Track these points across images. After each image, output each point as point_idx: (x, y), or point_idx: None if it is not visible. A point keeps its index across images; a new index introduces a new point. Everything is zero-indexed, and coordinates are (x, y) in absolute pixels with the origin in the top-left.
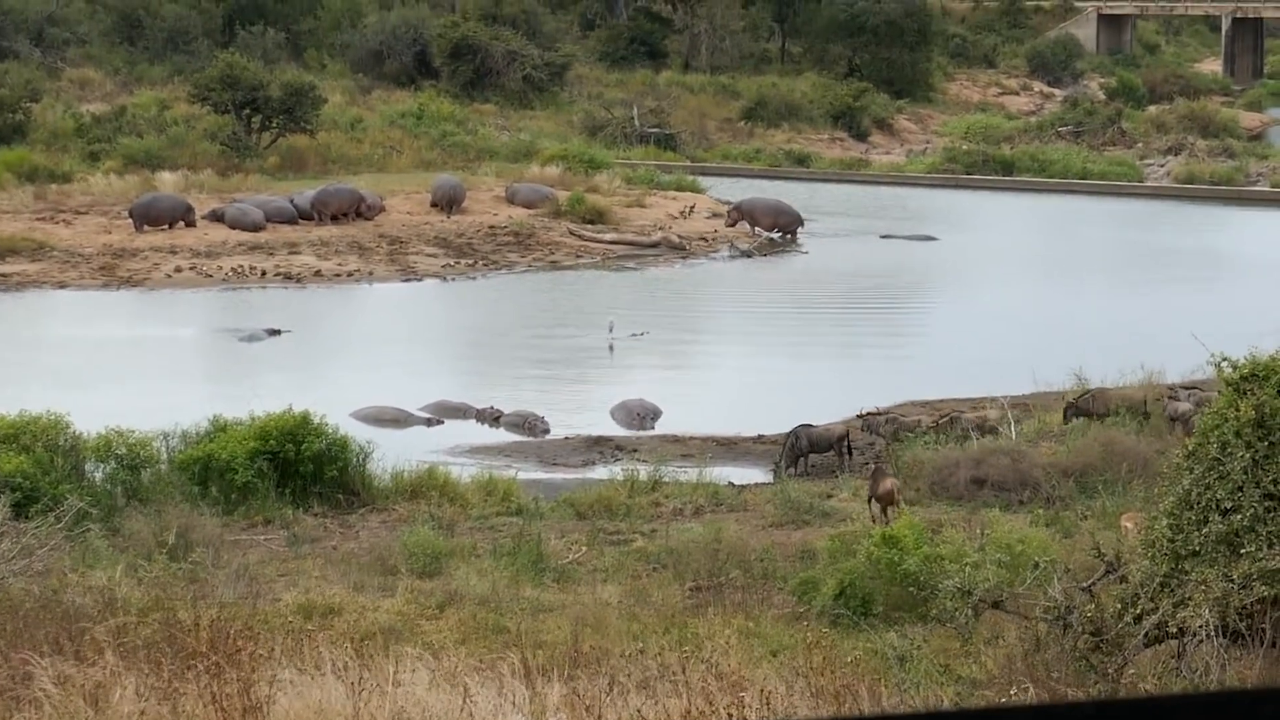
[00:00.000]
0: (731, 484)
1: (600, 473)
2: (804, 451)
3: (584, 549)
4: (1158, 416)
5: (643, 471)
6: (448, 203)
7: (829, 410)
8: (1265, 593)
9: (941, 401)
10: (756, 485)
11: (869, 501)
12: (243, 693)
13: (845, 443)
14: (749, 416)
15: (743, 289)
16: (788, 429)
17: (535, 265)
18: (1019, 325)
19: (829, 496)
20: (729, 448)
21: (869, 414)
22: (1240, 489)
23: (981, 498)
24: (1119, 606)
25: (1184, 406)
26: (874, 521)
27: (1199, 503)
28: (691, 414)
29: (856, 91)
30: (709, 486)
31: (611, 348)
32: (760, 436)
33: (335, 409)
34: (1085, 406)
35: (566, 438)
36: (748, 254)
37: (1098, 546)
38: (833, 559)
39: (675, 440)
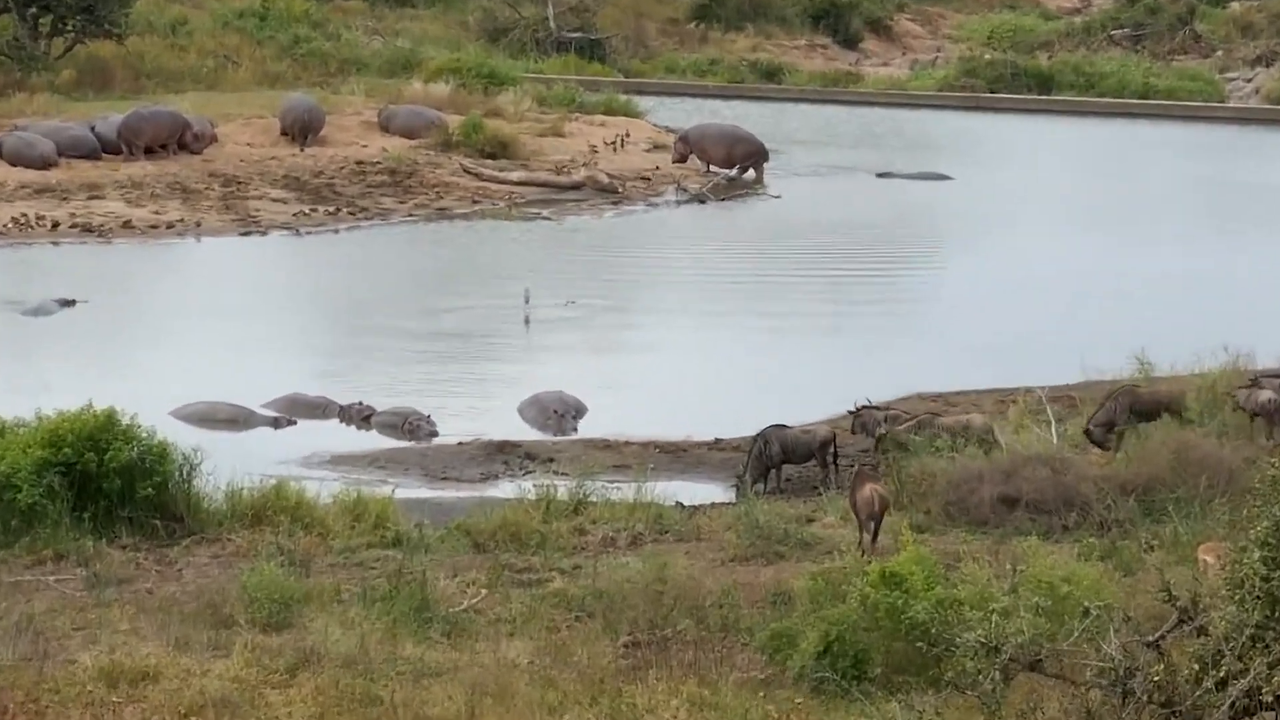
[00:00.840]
0: (680, 505)
1: (506, 489)
2: (776, 461)
3: (484, 592)
4: (1229, 412)
5: (562, 488)
6: (301, 130)
7: (808, 406)
8: None
9: (958, 395)
10: (713, 506)
11: (855, 513)
12: None
13: (830, 449)
14: (703, 415)
15: (694, 245)
16: (754, 431)
17: (418, 213)
18: (1061, 292)
19: (810, 520)
20: (676, 456)
21: (863, 409)
22: None
23: (1013, 522)
24: (1196, 668)
25: (1266, 395)
26: (863, 550)
27: None
28: (627, 411)
29: None
30: (650, 508)
31: (527, 321)
32: (718, 441)
33: (151, 406)
34: (1126, 409)
35: (461, 443)
36: (700, 199)
37: (1168, 587)
38: (815, 604)
39: (605, 446)
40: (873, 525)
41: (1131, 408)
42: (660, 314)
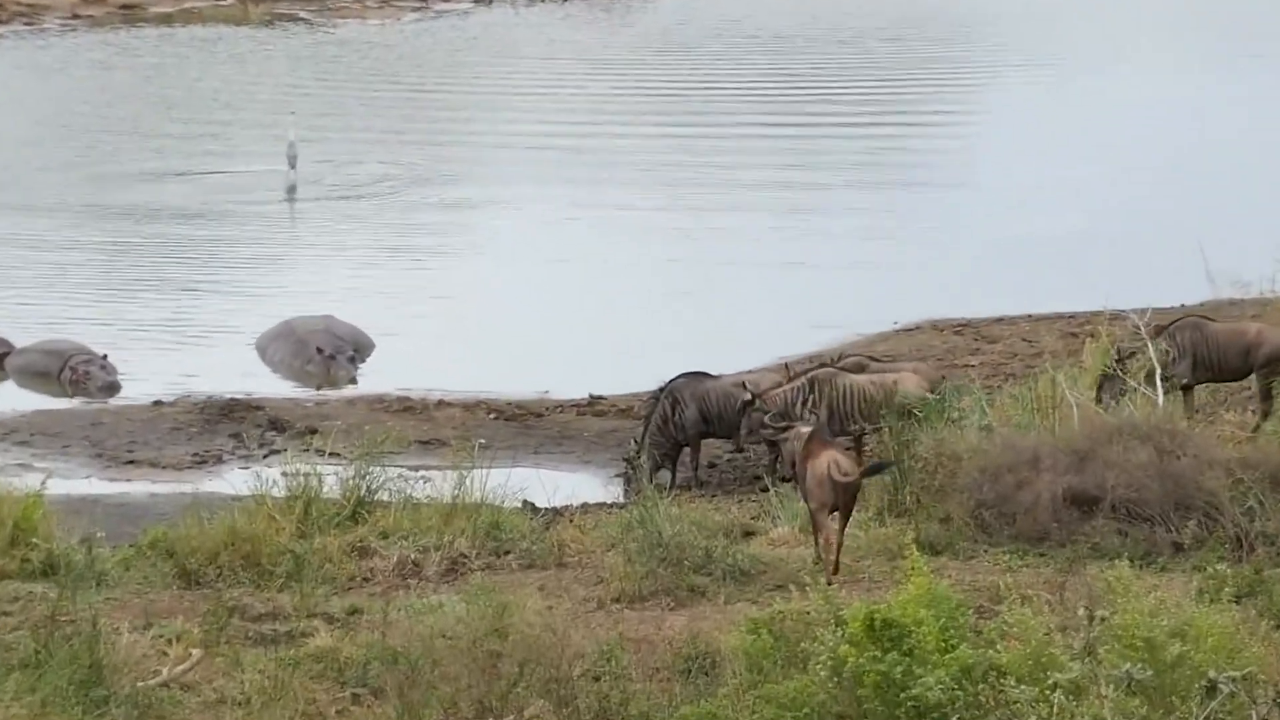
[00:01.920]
0: (531, 506)
1: (235, 480)
2: (692, 433)
3: (197, 653)
4: None
5: (332, 478)
6: None
7: (743, 343)
8: None
9: (993, 323)
10: (586, 510)
11: (805, 500)
12: None
13: (771, 414)
14: (567, 356)
15: (550, 71)
16: (656, 385)
17: (90, 13)
18: (1136, 159)
19: (748, 534)
20: (524, 425)
21: (817, 366)
22: None
23: (1089, 535)
24: None
25: None
26: (826, 567)
27: None
28: (440, 350)
29: None
30: (480, 512)
31: (290, 195)
32: (594, 401)
33: None
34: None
35: (160, 403)
36: None
37: None
38: (756, 674)
39: (404, 408)
40: (835, 520)
41: (1195, 352)
42: (495, 189)
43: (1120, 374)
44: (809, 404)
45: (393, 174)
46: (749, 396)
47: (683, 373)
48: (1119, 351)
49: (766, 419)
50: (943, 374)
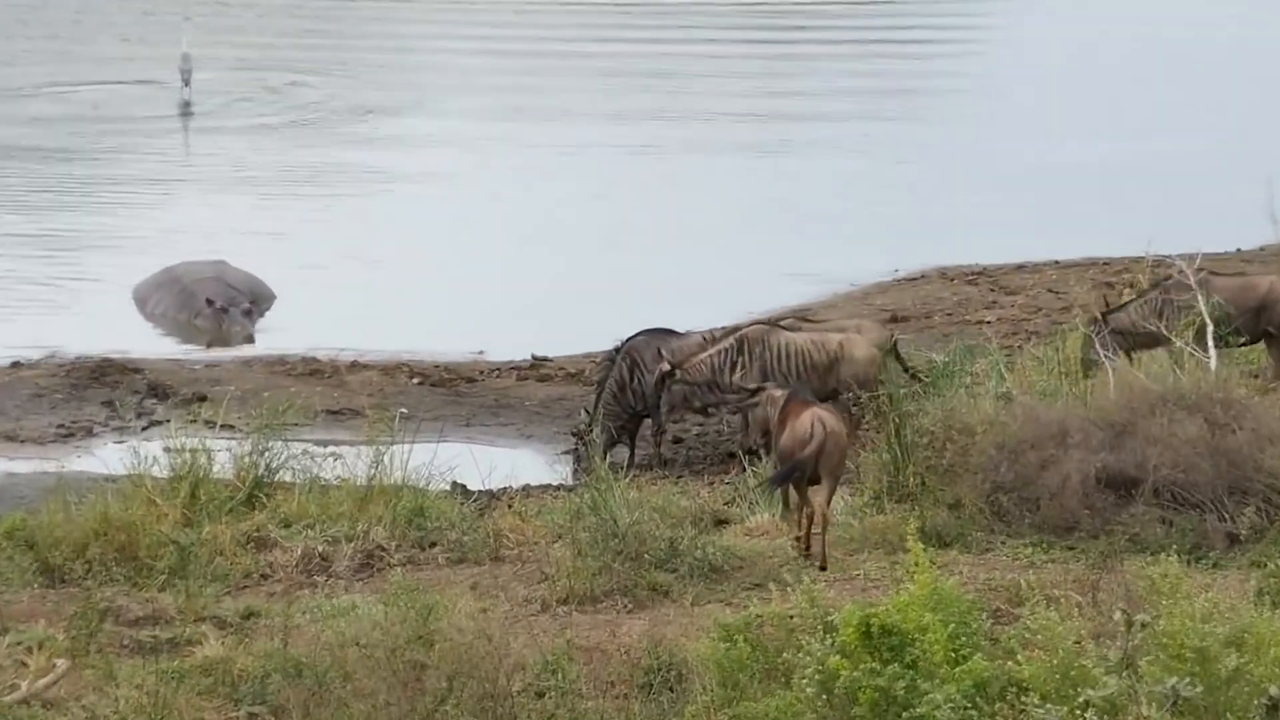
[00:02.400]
0: (462, 489)
1: (107, 456)
2: (647, 402)
3: (61, 664)
4: None
5: (224, 453)
6: None
7: (718, 297)
8: None
9: (1013, 271)
10: (529, 492)
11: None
12: None
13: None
14: (508, 313)
15: None
16: (611, 344)
17: None
18: (1193, 78)
19: (721, 522)
20: (453, 391)
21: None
22: None
23: (1124, 524)
24: None
25: None
26: (806, 545)
27: None
28: (358, 303)
29: None
30: (401, 495)
31: (185, 110)
32: (536, 363)
33: None
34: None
35: (18, 364)
36: None
37: None
38: (731, 687)
39: (310, 371)
40: (821, 488)
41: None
42: (424, 116)
43: (1103, 326)
44: (738, 368)
45: (306, 95)
46: (667, 367)
47: (643, 330)
48: (1106, 302)
49: (737, 379)
50: (894, 333)
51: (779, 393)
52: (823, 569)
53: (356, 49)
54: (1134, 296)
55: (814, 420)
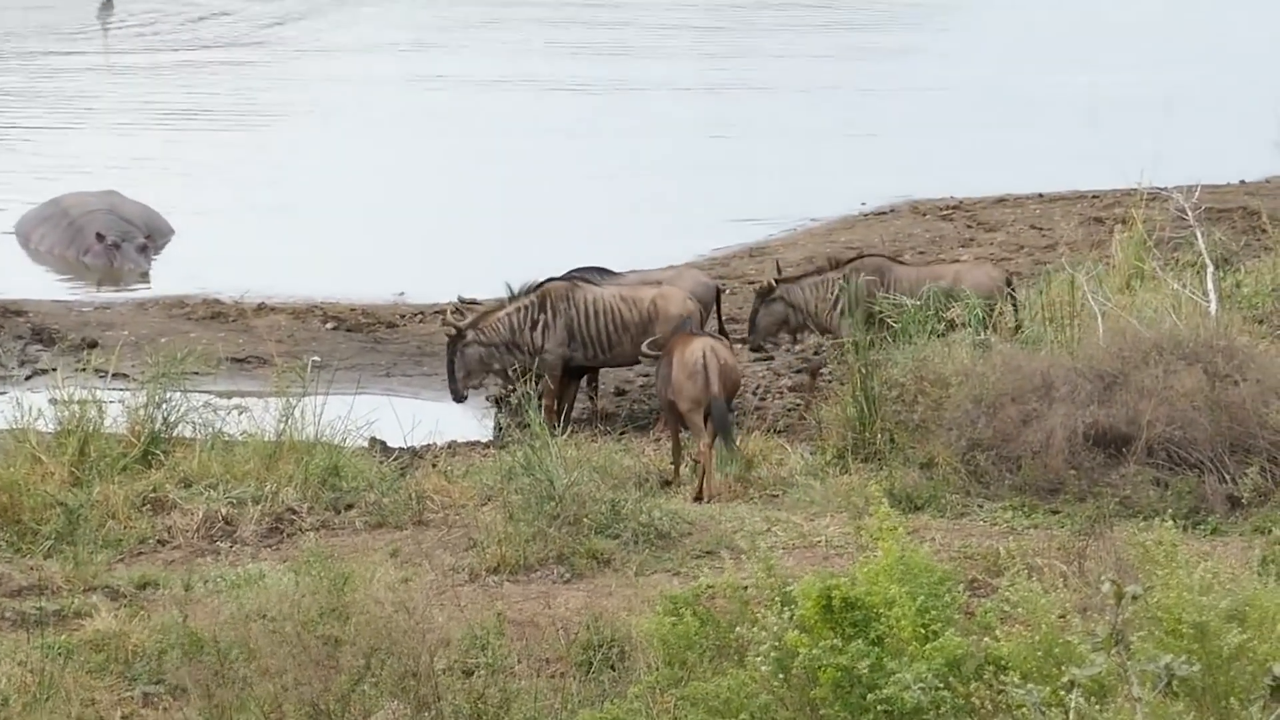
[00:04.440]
0: (381, 445)
1: None
2: (579, 359)
3: None
4: None
5: (117, 405)
6: None
7: (664, 237)
8: None
9: (980, 205)
10: (454, 450)
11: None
12: None
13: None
14: (432, 251)
15: None
16: (539, 281)
17: None
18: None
19: (667, 483)
20: (371, 337)
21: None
22: None
23: (1114, 485)
24: None
25: None
26: (700, 486)
27: None
28: (265, 240)
29: None
30: (314, 453)
31: (104, 13)
32: (462, 308)
33: None
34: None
35: None
36: None
37: None
38: (678, 665)
39: (213, 315)
40: (712, 423)
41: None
42: (347, 33)
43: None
44: (540, 326)
45: (219, 23)
46: (454, 331)
47: (578, 268)
48: (779, 270)
49: (647, 346)
50: (721, 284)
51: (678, 347)
52: (704, 499)
53: None
54: (812, 271)
55: (704, 350)
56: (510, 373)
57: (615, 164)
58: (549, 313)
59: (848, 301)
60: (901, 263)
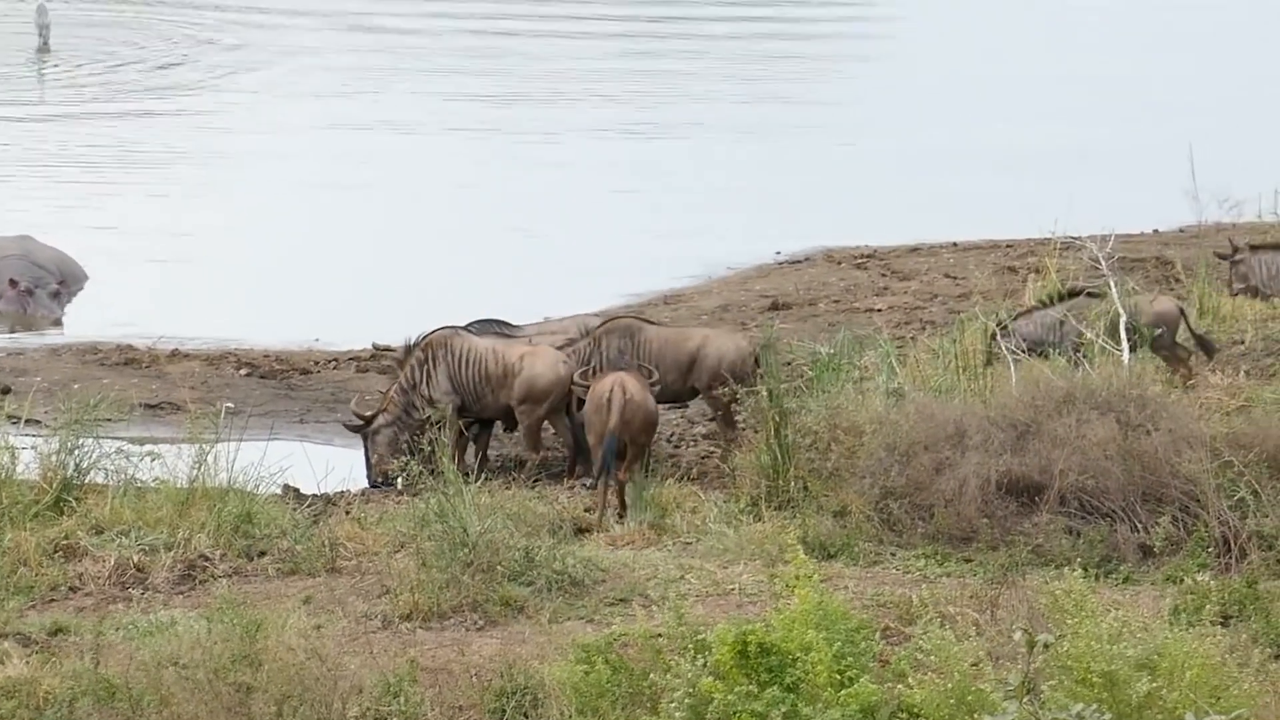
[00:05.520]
0: (295, 492)
1: None
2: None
3: None
4: None
5: (29, 453)
6: None
7: (578, 286)
8: None
9: (894, 254)
10: (368, 495)
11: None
12: None
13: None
14: (346, 299)
15: None
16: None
17: None
18: (1105, 56)
19: (582, 530)
20: (286, 384)
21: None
22: None
23: (1027, 534)
24: None
25: None
26: (601, 507)
27: None
28: (180, 286)
29: None
30: (228, 500)
31: (43, 55)
32: (377, 353)
33: None
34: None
35: None
36: None
37: None
38: (591, 713)
39: (128, 360)
40: (620, 453)
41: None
42: (267, 83)
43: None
44: (427, 376)
45: (138, 51)
46: (360, 421)
47: (472, 322)
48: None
49: (578, 377)
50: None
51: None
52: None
53: (213, 24)
54: (565, 343)
55: (614, 384)
56: (415, 439)
57: (532, 212)
58: (431, 362)
59: (599, 363)
60: (652, 323)
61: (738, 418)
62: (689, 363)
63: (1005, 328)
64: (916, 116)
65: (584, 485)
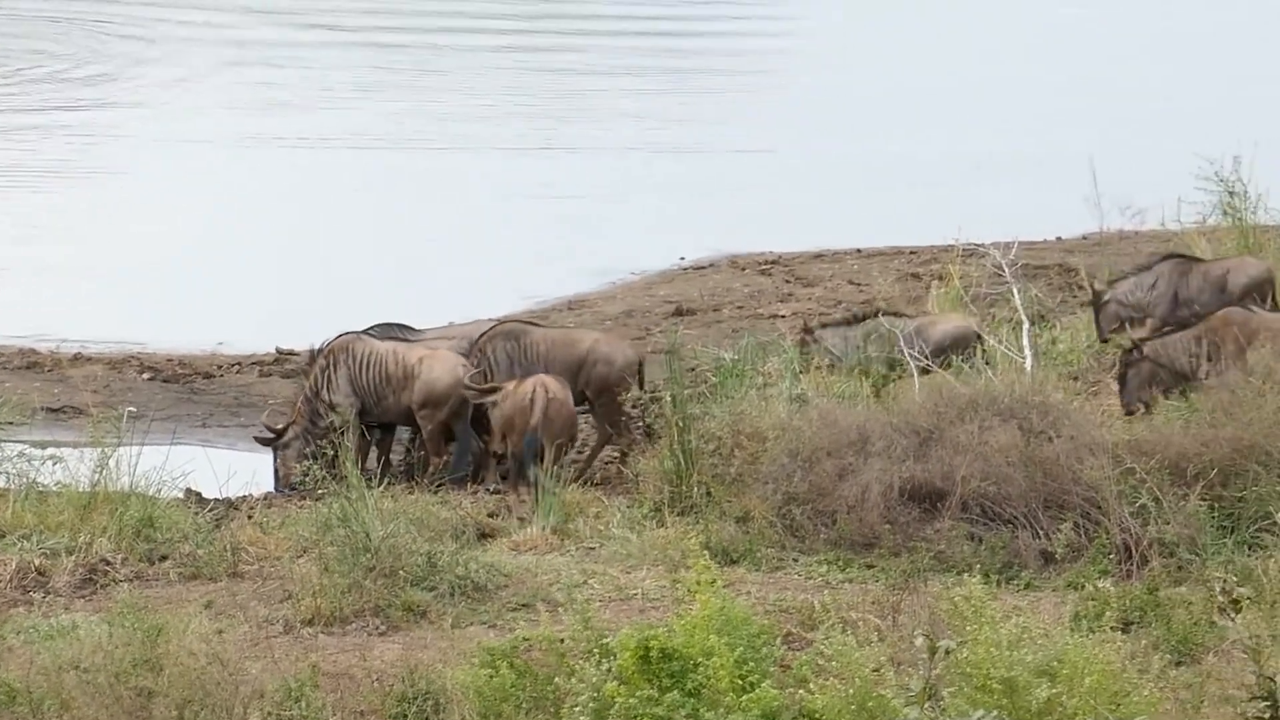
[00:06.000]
0: (197, 496)
1: None
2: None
3: None
4: None
5: None
6: None
7: (480, 291)
8: None
9: (798, 260)
10: (271, 500)
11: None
12: None
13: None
14: (250, 302)
15: None
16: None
17: None
18: (1012, 66)
19: (485, 535)
20: (188, 387)
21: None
22: None
23: (929, 540)
24: None
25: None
26: (521, 508)
27: None
28: (81, 289)
29: None
30: (127, 504)
31: None
32: (281, 357)
33: None
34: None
35: None
36: None
37: (1273, 691)
38: (494, 717)
39: (29, 364)
40: (540, 455)
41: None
42: (164, 85)
43: None
44: (329, 382)
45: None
46: (271, 435)
47: (373, 325)
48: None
49: (468, 379)
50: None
51: (514, 385)
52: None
53: (111, 26)
54: (466, 350)
55: (535, 385)
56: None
57: (435, 218)
58: (333, 367)
59: (486, 369)
60: (538, 326)
61: (627, 422)
62: (578, 365)
63: (812, 333)
64: (821, 124)
65: (487, 490)
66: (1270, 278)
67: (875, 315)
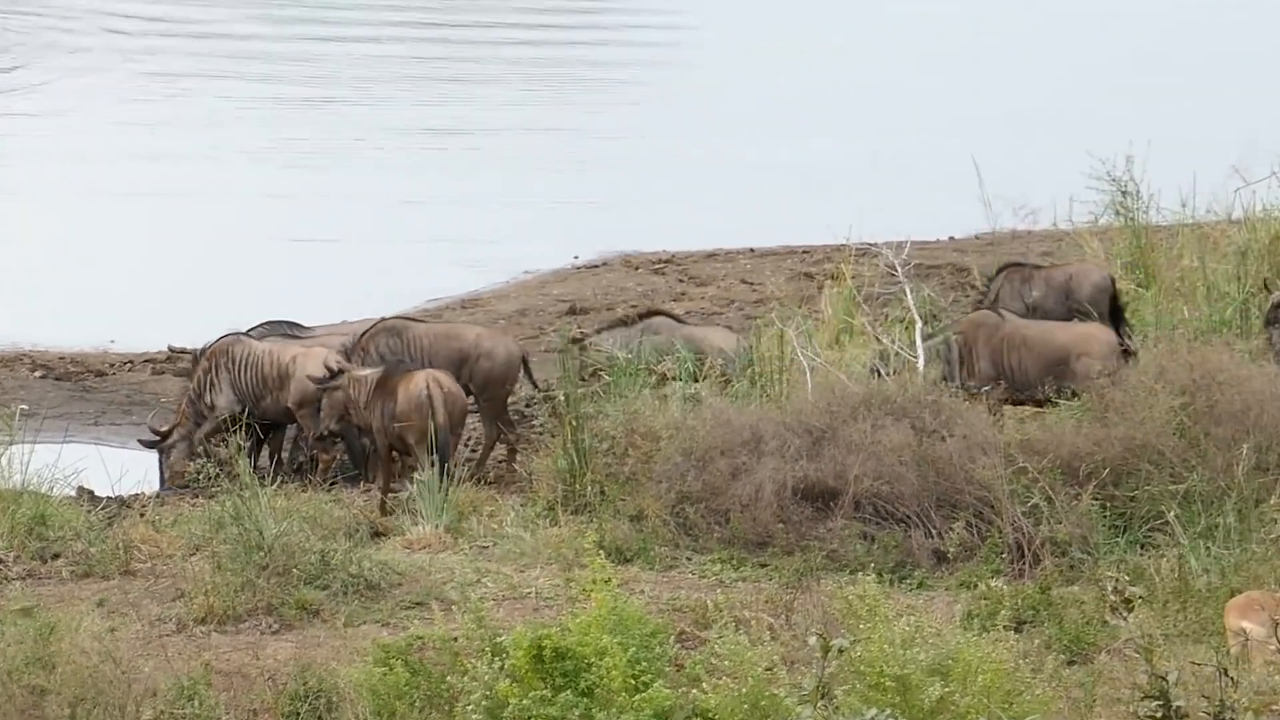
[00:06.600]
0: (89, 495)
1: None
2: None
3: None
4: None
5: None
6: None
7: (375, 289)
8: None
9: (692, 259)
10: (163, 498)
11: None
12: None
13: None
14: (142, 300)
15: None
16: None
17: None
18: (902, 71)
19: (379, 534)
20: (81, 385)
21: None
22: None
23: (822, 539)
24: None
25: None
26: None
27: None
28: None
29: None
30: (21, 501)
31: None
32: (174, 356)
33: None
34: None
35: None
36: None
37: (1163, 690)
38: (388, 716)
39: None
40: (436, 451)
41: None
42: (53, 78)
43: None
44: (210, 385)
45: None
46: (156, 438)
47: (263, 323)
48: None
49: (315, 385)
50: (373, 341)
51: (364, 372)
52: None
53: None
54: (342, 349)
55: (429, 381)
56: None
57: (328, 216)
58: (214, 370)
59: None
60: (420, 321)
61: (511, 419)
62: (460, 360)
63: (582, 341)
64: (714, 125)
65: (379, 489)
66: (1111, 285)
67: (651, 315)
